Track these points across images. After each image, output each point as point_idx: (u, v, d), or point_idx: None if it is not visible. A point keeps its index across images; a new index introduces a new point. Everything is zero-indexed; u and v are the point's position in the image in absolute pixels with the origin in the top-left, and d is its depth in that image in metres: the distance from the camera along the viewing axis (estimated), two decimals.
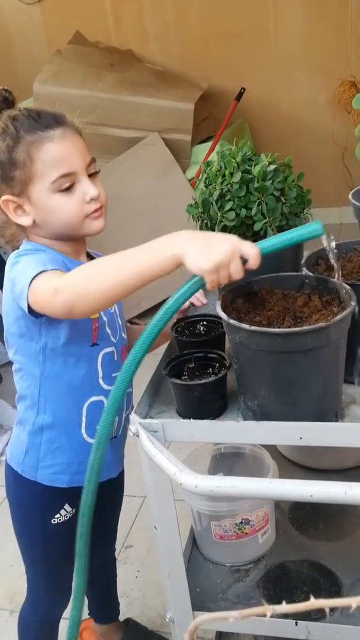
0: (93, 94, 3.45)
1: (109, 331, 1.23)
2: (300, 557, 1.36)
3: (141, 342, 0.94)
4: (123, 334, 1.30)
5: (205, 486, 0.92)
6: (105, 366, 1.23)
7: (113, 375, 1.24)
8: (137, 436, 1.07)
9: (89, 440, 1.23)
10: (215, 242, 0.89)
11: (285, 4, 3.74)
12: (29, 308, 1.06)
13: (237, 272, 0.89)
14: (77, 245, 1.22)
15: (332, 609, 1.21)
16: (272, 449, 1.50)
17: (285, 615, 1.19)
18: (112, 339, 1.24)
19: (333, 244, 0.98)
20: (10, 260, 1.15)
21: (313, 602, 0.47)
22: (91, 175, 1.16)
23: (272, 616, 0.49)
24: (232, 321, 0.96)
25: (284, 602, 0.47)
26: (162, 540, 1.17)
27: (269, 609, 0.46)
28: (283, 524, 1.44)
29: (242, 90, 3.64)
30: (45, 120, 1.13)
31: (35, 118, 1.13)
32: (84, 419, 1.23)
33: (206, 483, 0.92)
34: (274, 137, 3.85)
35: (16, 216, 1.16)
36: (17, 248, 1.22)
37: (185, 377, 1.11)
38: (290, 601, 1.16)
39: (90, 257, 1.28)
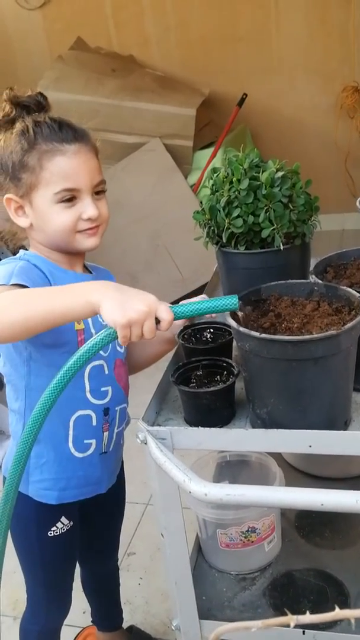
0: (94, 99, 3.46)
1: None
2: (307, 566, 1.36)
3: (50, 391, 0.95)
4: (118, 347, 1.27)
5: (215, 494, 0.91)
6: (92, 380, 1.21)
7: (102, 389, 1.23)
8: (145, 443, 1.06)
9: (76, 454, 1.22)
10: (133, 300, 0.92)
11: (287, 8, 3.75)
12: None
13: (149, 332, 0.92)
14: (71, 256, 1.22)
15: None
16: (276, 457, 1.49)
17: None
18: (102, 352, 1.22)
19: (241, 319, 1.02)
20: None
21: (338, 613, 0.46)
22: (98, 193, 1.18)
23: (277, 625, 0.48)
24: (242, 329, 0.96)
25: (307, 613, 0.46)
26: (168, 548, 1.16)
27: (293, 619, 0.45)
28: (289, 532, 1.44)
29: (244, 96, 3.64)
30: (64, 134, 1.15)
31: (55, 129, 1.15)
32: (70, 433, 1.21)
33: (216, 491, 0.91)
34: (276, 143, 3.85)
35: (16, 216, 1.18)
36: (15, 246, 1.24)
37: (193, 384, 1.11)
38: (297, 610, 1.15)
39: (87, 269, 1.28)
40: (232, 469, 1.48)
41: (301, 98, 3.91)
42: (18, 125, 1.15)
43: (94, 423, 1.23)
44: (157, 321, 0.93)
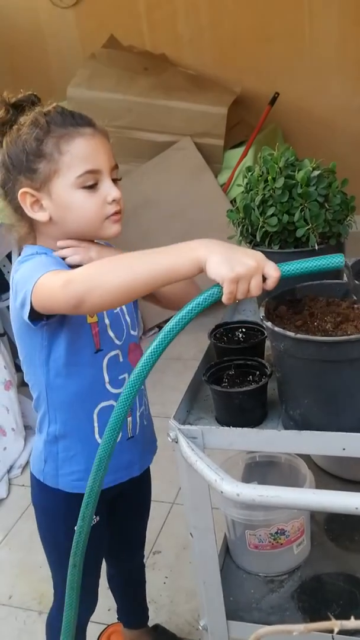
0: (126, 97, 3.46)
1: (111, 334, 1.20)
2: (336, 570, 1.34)
3: (148, 355, 0.92)
4: (132, 332, 1.26)
5: (248, 495, 0.90)
6: (110, 370, 1.20)
7: (120, 377, 1.22)
8: (176, 442, 1.06)
9: None
10: (241, 255, 0.89)
11: (321, 7, 3.72)
12: (31, 314, 1.05)
13: (256, 288, 0.89)
14: None
15: None
16: (305, 459, 1.47)
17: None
18: (116, 341, 1.21)
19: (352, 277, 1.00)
20: (13, 269, 1.15)
21: None
22: (114, 181, 1.16)
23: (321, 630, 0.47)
24: (277, 329, 0.95)
25: (352, 618, 0.45)
26: (197, 547, 1.16)
27: (337, 624, 0.44)
28: (318, 535, 1.42)
29: (276, 95, 3.62)
30: (77, 119, 1.14)
31: (67, 114, 1.14)
32: (96, 425, 1.21)
33: (248, 492, 0.90)
34: (307, 143, 3.81)
35: (32, 211, 1.14)
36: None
37: (225, 384, 1.10)
38: (325, 614, 1.13)
39: None
40: (261, 469, 1.47)
41: (333, 97, 3.87)
42: (24, 119, 1.13)
43: None
44: (264, 279, 0.90)
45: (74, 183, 1.11)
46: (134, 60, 3.73)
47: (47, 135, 1.11)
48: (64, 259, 1.15)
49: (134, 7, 3.97)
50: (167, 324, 0.90)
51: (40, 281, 1.02)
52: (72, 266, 1.13)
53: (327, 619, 1.12)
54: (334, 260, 0.92)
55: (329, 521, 1.46)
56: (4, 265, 2.81)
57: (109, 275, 0.96)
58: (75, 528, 1.09)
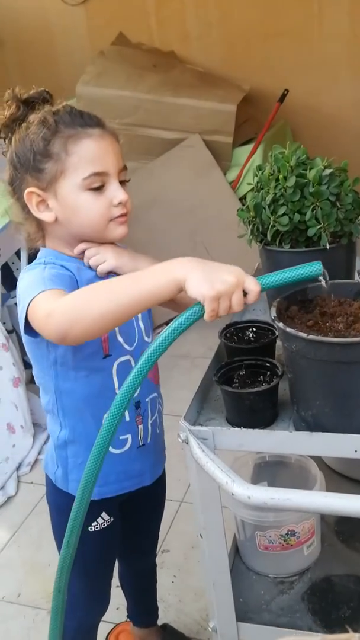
0: (135, 95, 3.45)
1: (120, 340, 1.18)
2: (346, 572, 1.33)
3: (132, 378, 0.92)
4: (146, 338, 1.24)
5: (259, 497, 0.90)
6: (121, 376, 1.18)
7: None
8: (187, 443, 1.05)
9: (114, 451, 1.21)
10: (220, 271, 0.89)
11: (330, 3, 3.68)
12: (28, 328, 1.05)
13: (238, 304, 0.89)
14: None
15: None
16: (315, 459, 1.46)
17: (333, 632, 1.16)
18: (127, 347, 1.20)
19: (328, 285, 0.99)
20: (20, 276, 1.14)
21: None
22: (121, 182, 1.15)
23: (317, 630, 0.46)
24: (289, 329, 0.94)
25: None
26: (207, 549, 1.15)
27: (355, 636, 0.43)
28: (328, 536, 1.41)
29: (285, 92, 3.59)
30: (86, 119, 1.13)
31: (76, 114, 1.13)
32: None
33: (260, 494, 0.90)
34: (316, 140, 3.77)
35: (38, 211, 1.14)
36: (32, 249, 1.21)
37: (236, 384, 1.09)
38: (337, 616, 1.12)
39: None
40: (271, 470, 1.46)
41: (343, 95, 3.83)
42: (33, 117, 1.12)
43: (127, 419, 1.22)
44: (244, 293, 0.90)
45: (80, 184, 1.10)
46: (143, 57, 3.72)
47: (55, 135, 1.10)
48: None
49: (142, 4, 3.96)
50: (149, 346, 0.91)
51: (33, 303, 1.02)
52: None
53: (338, 621, 1.11)
54: (312, 268, 0.93)
55: (340, 522, 1.46)
56: (13, 262, 2.80)
57: (90, 307, 0.95)
58: (59, 556, 1.10)
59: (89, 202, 1.11)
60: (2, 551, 2.16)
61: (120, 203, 1.12)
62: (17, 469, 2.48)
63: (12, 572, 2.07)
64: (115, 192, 1.12)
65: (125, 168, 1.16)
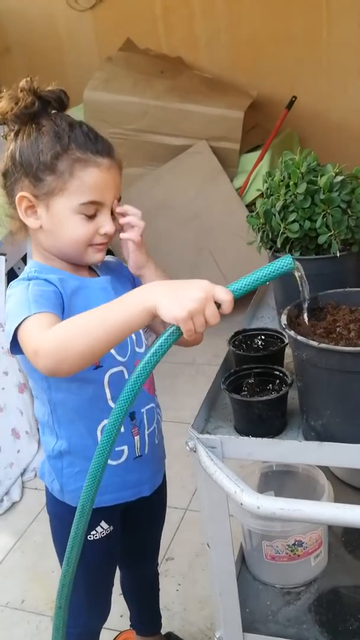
0: (142, 101, 3.45)
1: (112, 352, 1.17)
2: (354, 583, 1.32)
3: (120, 404, 0.92)
4: (137, 349, 1.23)
5: (268, 508, 0.89)
6: (113, 386, 1.18)
7: None
8: (195, 451, 1.04)
9: (109, 462, 1.19)
10: (187, 289, 0.88)
11: (339, 10, 3.67)
12: (14, 347, 1.05)
13: (213, 317, 0.88)
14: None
15: None
16: (323, 468, 1.45)
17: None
18: (119, 358, 1.19)
19: (304, 279, 0.97)
20: (8, 289, 1.13)
21: None
22: (113, 212, 1.16)
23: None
24: (300, 338, 0.93)
25: None
26: (214, 558, 1.14)
27: None
28: (336, 547, 1.40)
29: (294, 99, 3.59)
30: (100, 146, 1.12)
31: (91, 139, 1.12)
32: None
33: (269, 504, 0.89)
34: (324, 148, 3.75)
35: (25, 215, 1.14)
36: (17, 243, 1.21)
37: (245, 392, 1.08)
38: (344, 628, 1.11)
39: (92, 270, 1.25)
40: (278, 479, 1.44)
41: (352, 102, 3.82)
42: (48, 124, 1.11)
43: (122, 430, 1.21)
44: (218, 305, 0.89)
45: (75, 208, 1.11)
46: (151, 63, 3.73)
47: (65, 154, 1.10)
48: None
49: (150, 10, 3.96)
50: (134, 372, 0.91)
51: (21, 331, 1.02)
52: None
53: (346, 633, 1.10)
54: (283, 263, 0.89)
55: (347, 533, 1.44)
56: (19, 268, 2.81)
57: (71, 345, 0.96)
58: (61, 571, 1.10)
59: (77, 225, 1.12)
60: (6, 557, 2.15)
61: (105, 234, 1.14)
62: (22, 474, 2.47)
63: (16, 578, 2.06)
64: (104, 223, 1.13)
65: (120, 199, 1.17)
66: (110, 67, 3.61)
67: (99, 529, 1.27)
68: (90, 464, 0.98)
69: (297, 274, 0.95)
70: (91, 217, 1.12)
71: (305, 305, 1.01)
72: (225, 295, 0.88)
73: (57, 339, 0.98)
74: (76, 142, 1.10)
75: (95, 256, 1.17)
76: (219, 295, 0.88)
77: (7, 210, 1.18)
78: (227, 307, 0.89)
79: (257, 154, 3.44)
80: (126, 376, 1.20)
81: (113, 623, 1.73)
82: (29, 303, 1.05)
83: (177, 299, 0.87)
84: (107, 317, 0.94)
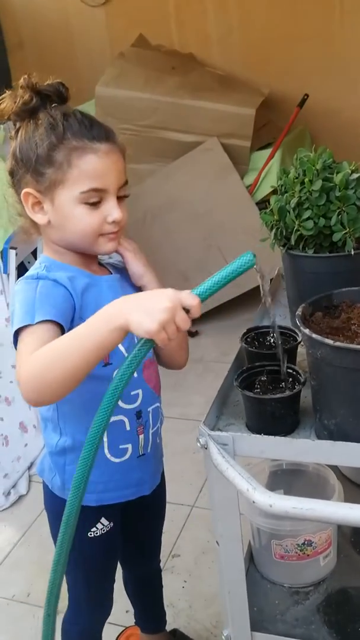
0: (154, 97, 3.45)
1: (121, 348, 1.15)
2: None
3: (101, 413, 0.93)
4: None
5: (281, 506, 0.88)
6: None
7: (132, 393, 1.20)
8: (206, 448, 1.04)
9: (113, 460, 1.21)
10: (153, 301, 0.89)
11: (352, 7, 3.66)
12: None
13: (184, 323, 0.89)
14: (87, 256, 1.19)
15: None
16: (332, 468, 1.44)
17: None
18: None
19: (266, 275, 0.96)
20: (17, 283, 1.12)
21: None
22: (120, 198, 1.14)
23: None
24: (315, 335, 0.92)
25: None
26: (224, 556, 1.13)
27: None
28: (345, 547, 1.39)
29: (305, 97, 3.57)
30: (95, 132, 1.10)
31: (86, 125, 1.10)
32: (105, 439, 1.19)
33: (282, 503, 0.88)
34: (336, 146, 3.71)
35: (33, 212, 1.13)
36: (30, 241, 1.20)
37: (258, 390, 1.07)
38: (353, 629, 1.10)
39: (102, 265, 1.24)
40: (287, 477, 1.44)
41: None
42: (44, 117, 1.10)
43: (128, 428, 1.21)
44: (186, 310, 0.89)
45: (77, 197, 1.09)
46: (162, 59, 3.72)
47: (61, 144, 1.08)
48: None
49: (163, 6, 3.95)
50: (110, 385, 0.92)
51: (19, 343, 1.02)
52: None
53: (354, 634, 1.09)
54: (243, 260, 0.89)
55: (356, 533, 1.43)
56: (29, 262, 2.81)
57: (49, 375, 0.96)
58: (48, 579, 1.10)
59: (82, 215, 1.10)
60: (12, 550, 2.15)
61: (113, 221, 1.12)
62: (29, 468, 2.47)
63: (22, 571, 2.06)
64: (111, 210, 1.11)
65: (126, 183, 1.15)
66: (122, 63, 3.61)
67: (99, 525, 1.27)
68: (76, 470, 1.00)
69: (256, 269, 0.94)
70: (96, 205, 1.10)
71: (264, 301, 1.03)
72: (192, 300, 0.89)
73: (34, 371, 0.97)
74: (71, 130, 1.09)
75: (107, 245, 1.15)
76: (186, 301, 0.89)
77: (17, 209, 1.18)
78: (196, 311, 0.89)
79: (268, 151, 3.43)
80: (135, 374, 1.19)
81: (119, 618, 1.73)
82: (34, 307, 1.04)
83: (146, 312, 0.88)
84: (81, 342, 0.94)
